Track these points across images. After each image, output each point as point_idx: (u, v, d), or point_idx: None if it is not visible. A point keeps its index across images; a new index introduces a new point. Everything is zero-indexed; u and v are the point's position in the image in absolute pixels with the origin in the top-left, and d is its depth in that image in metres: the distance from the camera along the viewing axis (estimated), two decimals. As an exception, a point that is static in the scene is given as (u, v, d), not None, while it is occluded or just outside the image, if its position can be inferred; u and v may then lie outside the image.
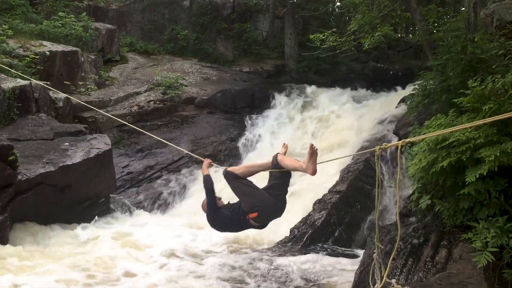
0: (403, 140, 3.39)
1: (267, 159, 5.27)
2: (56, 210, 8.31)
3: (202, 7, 19.05)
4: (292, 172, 4.81)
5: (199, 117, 13.70)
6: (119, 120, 8.92)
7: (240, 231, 5.26)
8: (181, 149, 7.23)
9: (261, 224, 4.93)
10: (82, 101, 9.53)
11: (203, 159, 5.34)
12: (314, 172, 4.42)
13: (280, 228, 9.20)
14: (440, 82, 6.94)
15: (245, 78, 16.56)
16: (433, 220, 5.90)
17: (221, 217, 4.94)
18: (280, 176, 4.75)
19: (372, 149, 3.83)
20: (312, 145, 4.41)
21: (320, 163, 4.61)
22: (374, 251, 4.16)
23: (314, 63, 17.75)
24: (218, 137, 13.05)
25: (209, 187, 5.00)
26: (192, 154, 6.86)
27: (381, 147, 3.52)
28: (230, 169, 4.97)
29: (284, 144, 5.28)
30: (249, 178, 5.01)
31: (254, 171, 4.98)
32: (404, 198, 7.06)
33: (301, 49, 17.92)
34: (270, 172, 4.90)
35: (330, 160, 5.37)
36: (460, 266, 4.72)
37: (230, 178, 4.88)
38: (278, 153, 4.93)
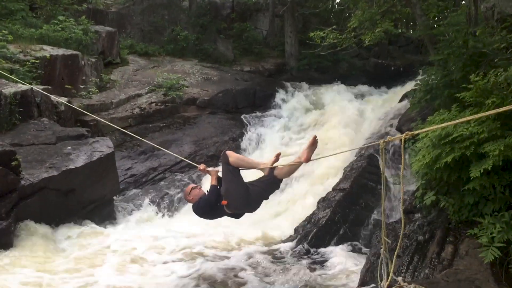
0: (406, 132, 3.35)
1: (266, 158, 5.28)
2: (60, 214, 8.30)
3: (201, 7, 19.05)
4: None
5: (201, 117, 13.71)
6: (113, 125, 8.27)
7: (217, 218, 5.38)
8: (174, 154, 6.89)
9: (234, 213, 5.17)
10: (74, 105, 9.45)
11: (197, 165, 5.48)
12: (307, 160, 4.71)
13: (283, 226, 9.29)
14: (442, 77, 6.90)
15: (246, 78, 16.54)
16: (438, 216, 5.85)
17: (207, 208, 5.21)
18: (269, 184, 5.01)
19: (376, 143, 3.83)
20: (315, 136, 4.69)
21: (323, 157, 4.72)
22: (381, 247, 4.13)
23: (315, 60, 17.73)
24: (221, 137, 13.04)
25: (212, 199, 5.07)
26: (186, 160, 6.70)
27: (385, 140, 3.50)
28: (228, 153, 5.05)
29: (278, 153, 5.19)
30: None
31: (244, 166, 5.04)
32: (409, 195, 7.02)
33: (302, 47, 17.87)
34: (264, 174, 5.08)
35: (333, 154, 5.41)
36: (466, 262, 4.68)
37: (223, 160, 5.01)
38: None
